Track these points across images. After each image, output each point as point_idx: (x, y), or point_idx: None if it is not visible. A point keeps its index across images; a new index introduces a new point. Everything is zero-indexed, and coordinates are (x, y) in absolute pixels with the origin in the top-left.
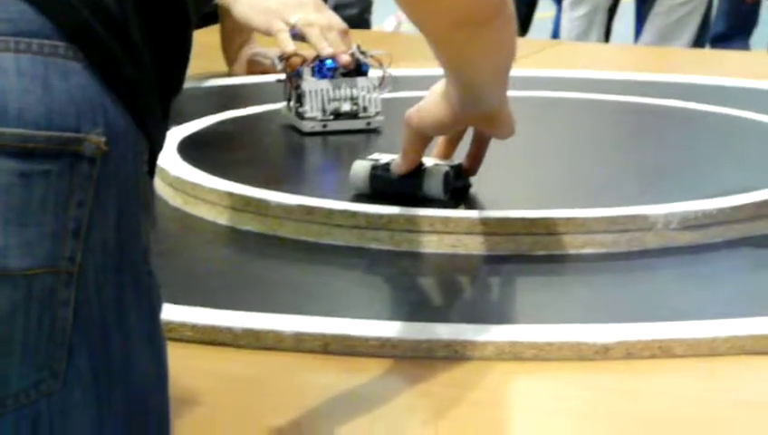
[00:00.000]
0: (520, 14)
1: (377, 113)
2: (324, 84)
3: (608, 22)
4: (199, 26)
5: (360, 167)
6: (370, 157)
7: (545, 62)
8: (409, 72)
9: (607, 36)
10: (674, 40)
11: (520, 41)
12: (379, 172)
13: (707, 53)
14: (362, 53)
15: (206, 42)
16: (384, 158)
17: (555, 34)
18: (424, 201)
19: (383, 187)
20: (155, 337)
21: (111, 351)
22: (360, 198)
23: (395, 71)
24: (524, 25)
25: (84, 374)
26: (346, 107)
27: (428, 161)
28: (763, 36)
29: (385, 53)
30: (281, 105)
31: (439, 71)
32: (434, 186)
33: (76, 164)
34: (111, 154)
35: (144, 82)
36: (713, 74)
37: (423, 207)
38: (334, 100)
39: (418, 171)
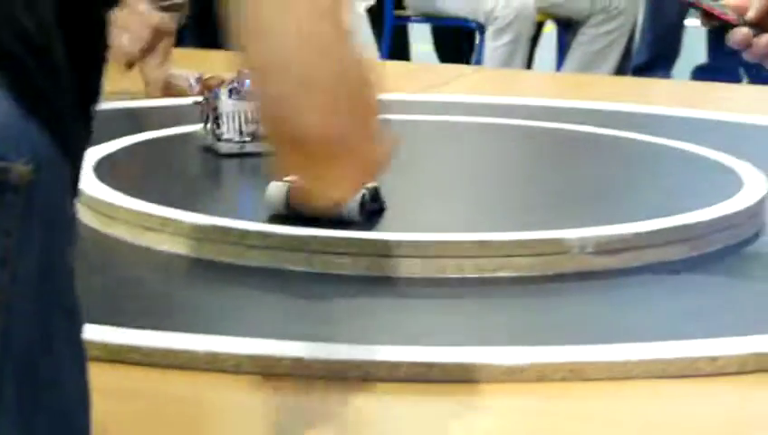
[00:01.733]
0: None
1: None
2: (241, 106)
3: (530, 51)
4: None
5: (276, 188)
6: (286, 179)
7: (467, 88)
8: None
9: (529, 65)
10: (596, 69)
11: (443, 66)
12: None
13: (627, 80)
14: None
15: None
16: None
17: (478, 63)
18: (340, 223)
19: (299, 208)
20: (81, 360)
21: (39, 378)
22: (275, 219)
23: None
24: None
25: (9, 403)
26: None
27: None
28: (683, 67)
29: None
30: (198, 127)
31: None
32: (350, 208)
33: (2, 193)
34: (38, 182)
35: (67, 107)
36: (631, 102)
37: (338, 229)
38: (251, 121)
39: None
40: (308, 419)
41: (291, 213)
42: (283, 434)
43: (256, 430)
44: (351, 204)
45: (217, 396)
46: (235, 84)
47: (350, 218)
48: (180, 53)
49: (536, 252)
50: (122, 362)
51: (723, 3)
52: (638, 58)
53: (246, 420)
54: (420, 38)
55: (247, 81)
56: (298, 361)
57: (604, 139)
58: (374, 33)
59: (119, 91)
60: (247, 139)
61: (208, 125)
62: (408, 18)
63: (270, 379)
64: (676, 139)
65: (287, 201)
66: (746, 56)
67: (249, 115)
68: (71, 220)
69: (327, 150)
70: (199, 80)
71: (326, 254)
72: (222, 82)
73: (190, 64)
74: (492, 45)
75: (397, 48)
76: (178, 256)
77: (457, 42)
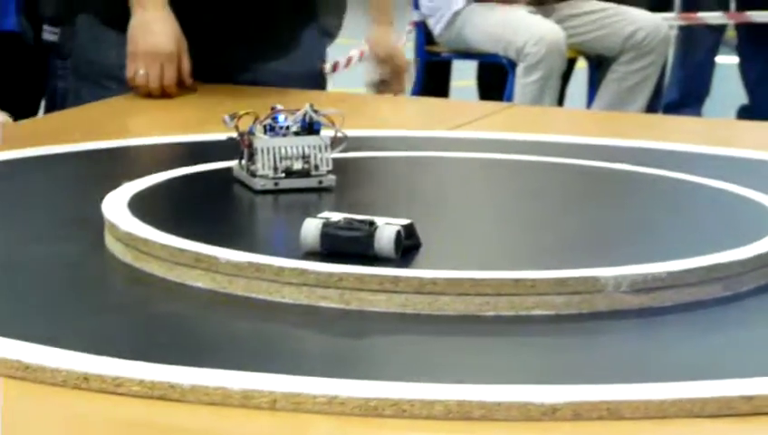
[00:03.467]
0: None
1: (328, 172)
2: (276, 142)
3: (561, 88)
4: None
5: (311, 225)
6: (321, 215)
7: (498, 125)
8: (361, 133)
9: (560, 102)
10: (626, 106)
11: (473, 103)
12: (330, 230)
13: (658, 118)
14: (315, 111)
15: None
16: (335, 216)
17: (508, 100)
18: (375, 259)
19: (334, 245)
20: None
21: None
22: (310, 256)
23: (347, 130)
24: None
25: None
26: (298, 165)
27: (380, 220)
28: (713, 105)
29: (337, 112)
30: (233, 163)
31: (394, 132)
32: (385, 245)
33: None
34: None
35: None
36: (663, 140)
37: (373, 266)
38: (286, 158)
39: (370, 230)
40: None
41: (326, 250)
42: None
43: None
44: (386, 241)
45: (252, 433)
46: (270, 121)
47: (386, 255)
48: (210, 88)
49: (571, 290)
50: (159, 398)
51: None
52: (668, 96)
53: None
54: (463, 74)
55: (282, 117)
56: (333, 398)
57: (637, 176)
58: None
59: (155, 127)
60: (282, 175)
61: (243, 161)
62: (438, 55)
63: (305, 416)
64: (710, 177)
65: (322, 238)
66: None
67: (284, 151)
68: None
69: None
70: (234, 116)
71: (361, 291)
72: (257, 118)
73: (222, 101)
74: (522, 82)
75: (435, 84)
76: (213, 293)
77: (501, 78)
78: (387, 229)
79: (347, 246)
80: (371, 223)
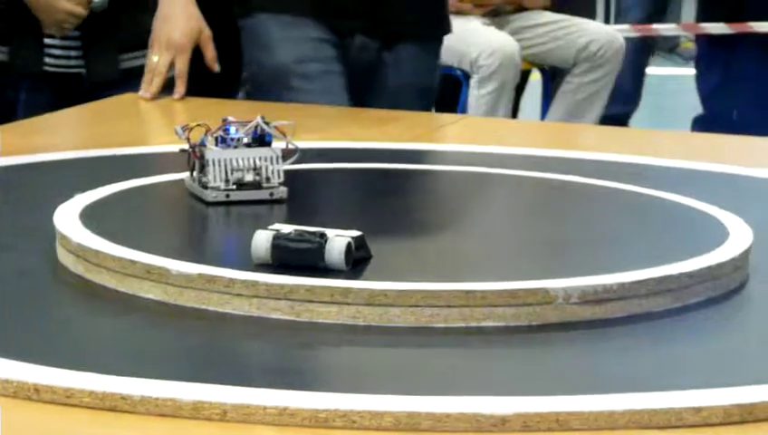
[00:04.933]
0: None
1: (280, 184)
2: (228, 154)
3: (515, 99)
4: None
5: (262, 237)
6: (272, 227)
7: (452, 137)
8: (312, 145)
9: (514, 113)
10: (581, 118)
11: (425, 115)
12: (280, 242)
13: (611, 129)
14: (266, 123)
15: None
16: (285, 228)
17: (462, 111)
18: (325, 271)
19: (285, 257)
20: None
21: None
22: (261, 268)
23: (299, 142)
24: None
25: None
26: (249, 177)
27: (330, 232)
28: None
29: (289, 124)
30: (185, 175)
31: (347, 144)
32: (335, 256)
33: None
34: None
35: None
36: (617, 151)
37: (324, 278)
38: (237, 170)
39: (320, 242)
40: None
41: (276, 261)
42: None
43: None
44: (337, 253)
45: None
46: (221, 132)
47: (336, 267)
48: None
49: (521, 302)
50: (109, 409)
51: None
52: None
53: None
54: None
55: (233, 128)
56: (283, 410)
57: (589, 189)
58: None
59: (107, 138)
60: (233, 187)
61: (195, 173)
62: None
63: (256, 427)
64: (662, 189)
65: (272, 250)
66: None
67: (235, 163)
68: None
69: None
70: (186, 128)
71: (311, 302)
72: (208, 130)
73: (181, 112)
74: (476, 94)
75: None
76: (164, 304)
77: (455, 90)
78: (337, 241)
79: (297, 257)
80: (322, 235)
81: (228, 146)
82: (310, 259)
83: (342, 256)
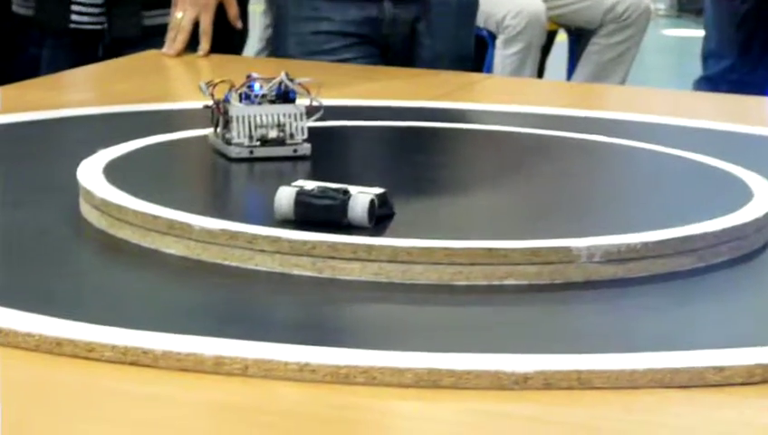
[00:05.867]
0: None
1: (303, 141)
2: (252, 110)
3: (541, 60)
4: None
5: (285, 193)
6: (295, 183)
7: (477, 96)
8: (337, 102)
9: (540, 74)
10: (606, 79)
11: (451, 74)
12: (303, 199)
13: (637, 90)
14: (290, 80)
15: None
16: (309, 185)
17: (488, 71)
18: (348, 228)
19: (308, 213)
20: None
21: None
22: (284, 224)
23: (322, 99)
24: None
25: None
26: (273, 133)
27: (354, 189)
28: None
29: (313, 81)
30: (208, 131)
31: (372, 102)
32: (358, 213)
33: None
34: None
35: None
36: (642, 112)
37: (346, 235)
38: (261, 126)
39: (343, 198)
40: (313, 423)
41: (299, 218)
42: None
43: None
44: (360, 209)
45: (224, 399)
46: (246, 89)
47: (359, 224)
48: (193, 57)
49: (544, 260)
50: (131, 363)
51: None
52: None
53: (253, 424)
54: None
55: (257, 85)
56: (304, 365)
57: (614, 148)
58: None
59: (133, 93)
60: (257, 143)
61: (218, 129)
62: None
63: (276, 383)
64: (686, 149)
65: (295, 206)
66: None
67: (259, 119)
68: None
69: None
70: (210, 84)
71: (334, 259)
72: (233, 86)
73: (205, 68)
74: (502, 54)
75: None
76: (186, 259)
77: (481, 50)
78: (360, 198)
79: (320, 214)
80: (345, 191)
81: (252, 102)
82: (333, 216)
83: (365, 213)
